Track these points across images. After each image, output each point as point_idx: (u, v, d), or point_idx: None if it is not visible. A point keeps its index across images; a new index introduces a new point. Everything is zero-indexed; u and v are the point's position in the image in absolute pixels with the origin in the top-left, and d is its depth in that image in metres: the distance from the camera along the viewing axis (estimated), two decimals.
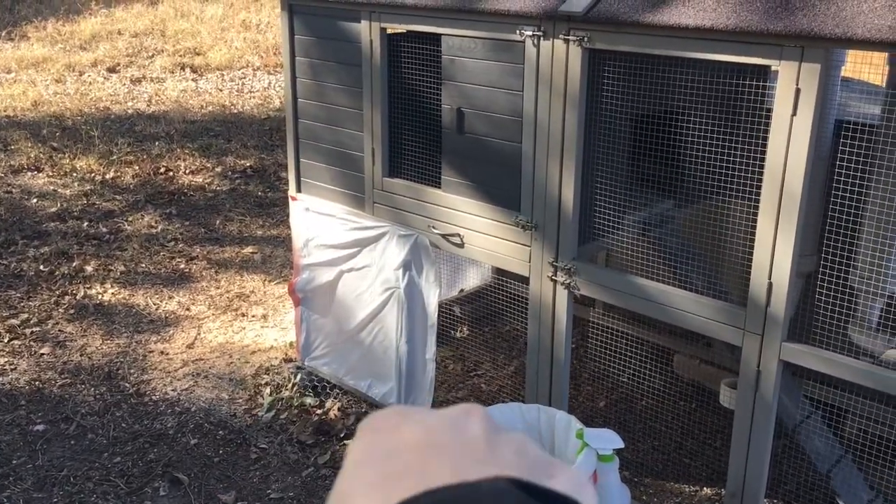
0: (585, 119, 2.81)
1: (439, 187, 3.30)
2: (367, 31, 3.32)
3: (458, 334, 4.51)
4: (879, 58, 3.50)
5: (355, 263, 3.66)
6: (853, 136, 2.72)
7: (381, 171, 3.46)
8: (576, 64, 2.73)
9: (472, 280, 4.72)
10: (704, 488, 3.36)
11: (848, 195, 2.67)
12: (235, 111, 9.47)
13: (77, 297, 5.07)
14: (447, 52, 3.10)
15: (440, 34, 3.10)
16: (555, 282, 3.00)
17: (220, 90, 10.45)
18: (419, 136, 3.43)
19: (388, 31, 3.30)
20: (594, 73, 2.80)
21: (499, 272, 4.62)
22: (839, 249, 2.72)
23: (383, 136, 3.41)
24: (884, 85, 3.50)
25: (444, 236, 3.31)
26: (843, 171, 2.65)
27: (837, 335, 2.64)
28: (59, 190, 6.87)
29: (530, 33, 2.80)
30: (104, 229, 6.10)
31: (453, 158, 3.20)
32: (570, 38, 2.71)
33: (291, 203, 3.90)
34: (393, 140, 3.45)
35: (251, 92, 10.44)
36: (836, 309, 2.68)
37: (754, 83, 3.31)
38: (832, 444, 3.14)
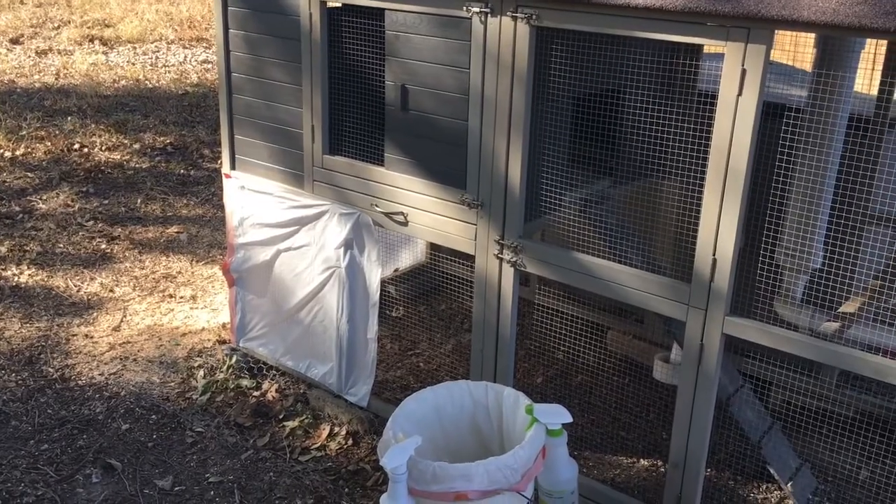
0: (532, 97, 2.81)
1: (382, 165, 3.26)
2: (306, 5, 3.24)
3: (394, 313, 4.49)
4: (791, 39, 3.62)
5: (293, 242, 3.59)
6: (778, 117, 2.81)
7: (321, 148, 3.40)
8: (523, 42, 2.73)
9: (406, 259, 4.70)
10: (641, 460, 3.45)
11: (774, 175, 2.76)
12: (150, 86, 9.15)
13: None
14: (391, 27, 3.06)
15: (383, 8, 3.05)
16: (501, 259, 3.01)
17: (133, 64, 10.09)
18: (361, 113, 3.38)
19: (329, 4, 3.23)
20: (541, 50, 2.80)
21: (434, 250, 4.62)
22: (765, 227, 2.82)
23: (323, 112, 3.35)
24: (805, 67, 3.63)
25: (387, 214, 3.28)
26: (769, 152, 2.74)
27: (764, 309, 2.73)
28: None
29: (477, 10, 2.79)
30: (17, 208, 5.82)
31: (397, 136, 3.16)
32: (518, 15, 2.71)
33: (225, 181, 3.80)
34: (333, 117, 3.39)
35: (166, 66, 10.11)
36: (763, 284, 2.78)
37: (687, 63, 3.38)
38: (763, 415, 3.26)
